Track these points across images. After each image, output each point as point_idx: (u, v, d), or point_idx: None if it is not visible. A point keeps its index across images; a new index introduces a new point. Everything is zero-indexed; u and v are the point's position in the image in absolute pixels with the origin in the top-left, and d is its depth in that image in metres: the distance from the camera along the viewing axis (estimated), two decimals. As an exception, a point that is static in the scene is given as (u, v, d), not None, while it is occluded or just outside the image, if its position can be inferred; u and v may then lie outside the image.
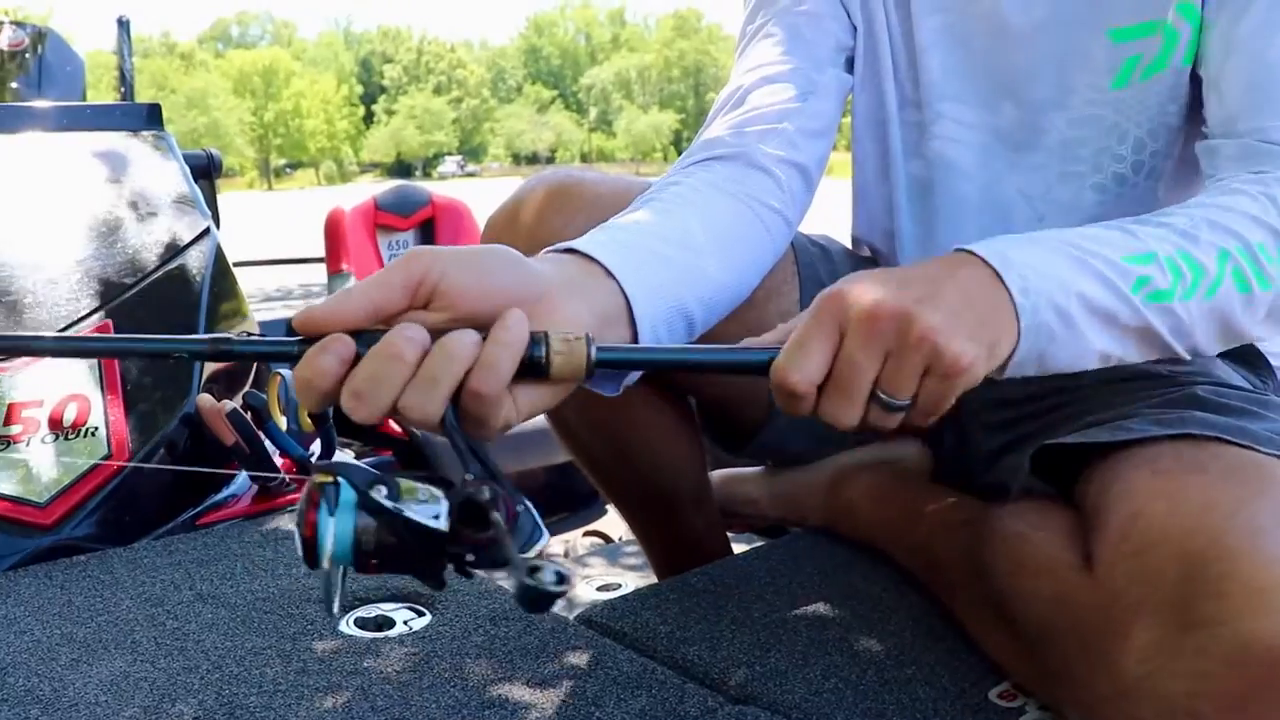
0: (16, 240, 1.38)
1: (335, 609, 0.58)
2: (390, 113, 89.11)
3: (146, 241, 1.49)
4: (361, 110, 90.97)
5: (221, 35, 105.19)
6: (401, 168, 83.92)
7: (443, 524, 0.52)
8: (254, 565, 1.12)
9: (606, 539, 2.32)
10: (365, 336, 0.57)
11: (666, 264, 0.77)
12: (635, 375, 0.75)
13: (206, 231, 1.56)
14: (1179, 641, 0.60)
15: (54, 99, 2.17)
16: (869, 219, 1.11)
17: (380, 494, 0.53)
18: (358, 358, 0.57)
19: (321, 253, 2.87)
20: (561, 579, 0.49)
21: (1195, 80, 0.90)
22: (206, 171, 2.07)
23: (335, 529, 0.52)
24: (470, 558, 0.54)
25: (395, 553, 0.53)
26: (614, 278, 0.71)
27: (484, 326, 0.59)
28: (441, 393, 0.57)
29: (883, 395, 0.65)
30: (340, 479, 0.53)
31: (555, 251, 0.73)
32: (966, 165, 0.99)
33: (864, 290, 0.65)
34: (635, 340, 0.72)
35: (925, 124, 1.00)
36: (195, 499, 1.33)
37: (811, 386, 0.65)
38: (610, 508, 2.74)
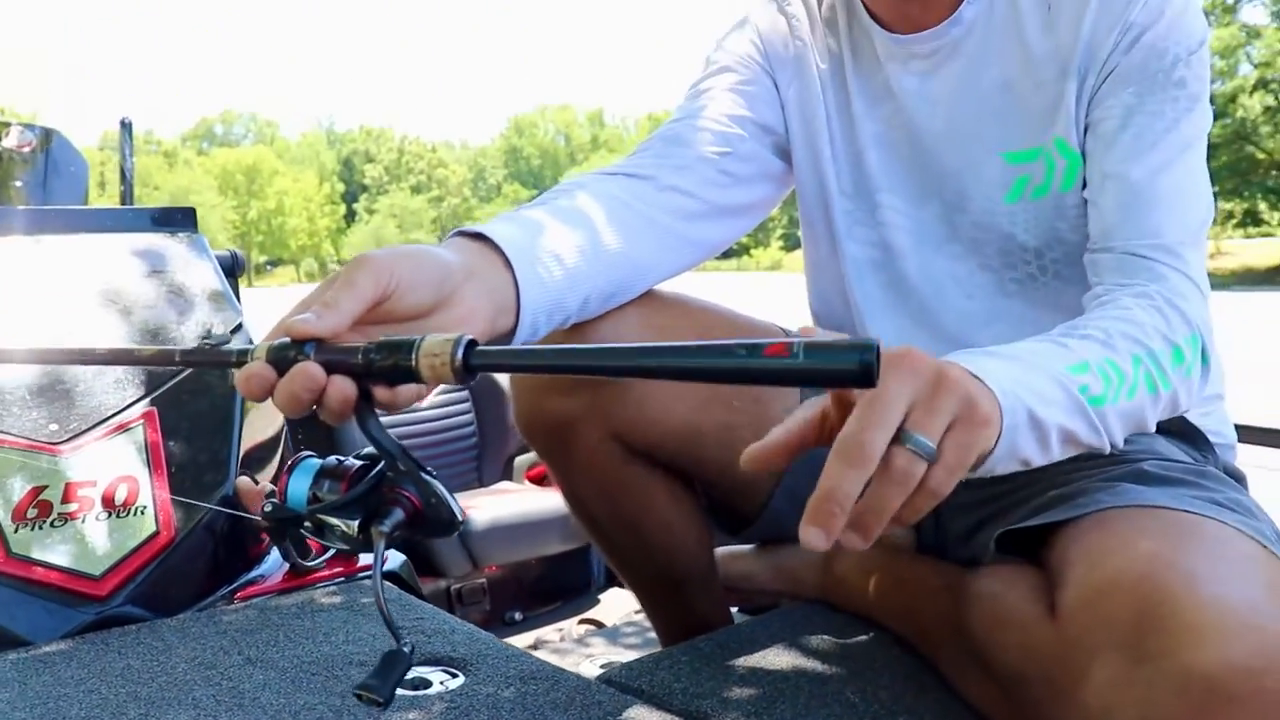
0: (68, 333, 1.49)
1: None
2: (371, 211, 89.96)
3: (186, 335, 1.60)
4: (343, 208, 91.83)
5: (206, 134, 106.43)
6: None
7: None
8: (295, 633, 1.21)
9: (600, 626, 2.39)
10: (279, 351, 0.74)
11: (557, 262, 0.93)
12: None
13: (239, 326, 1.68)
14: (1132, 675, 0.70)
15: (59, 199, 2.30)
16: (822, 294, 1.26)
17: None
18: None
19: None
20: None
21: (1081, 204, 1.05)
22: (230, 270, 2.19)
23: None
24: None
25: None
26: (511, 270, 0.88)
27: (416, 316, 0.77)
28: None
29: (914, 434, 0.67)
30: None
31: (464, 236, 0.90)
32: (904, 248, 1.16)
33: (897, 348, 0.69)
34: (515, 325, 0.88)
35: (871, 210, 1.17)
36: (232, 574, 1.42)
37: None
38: (603, 597, 2.82)
